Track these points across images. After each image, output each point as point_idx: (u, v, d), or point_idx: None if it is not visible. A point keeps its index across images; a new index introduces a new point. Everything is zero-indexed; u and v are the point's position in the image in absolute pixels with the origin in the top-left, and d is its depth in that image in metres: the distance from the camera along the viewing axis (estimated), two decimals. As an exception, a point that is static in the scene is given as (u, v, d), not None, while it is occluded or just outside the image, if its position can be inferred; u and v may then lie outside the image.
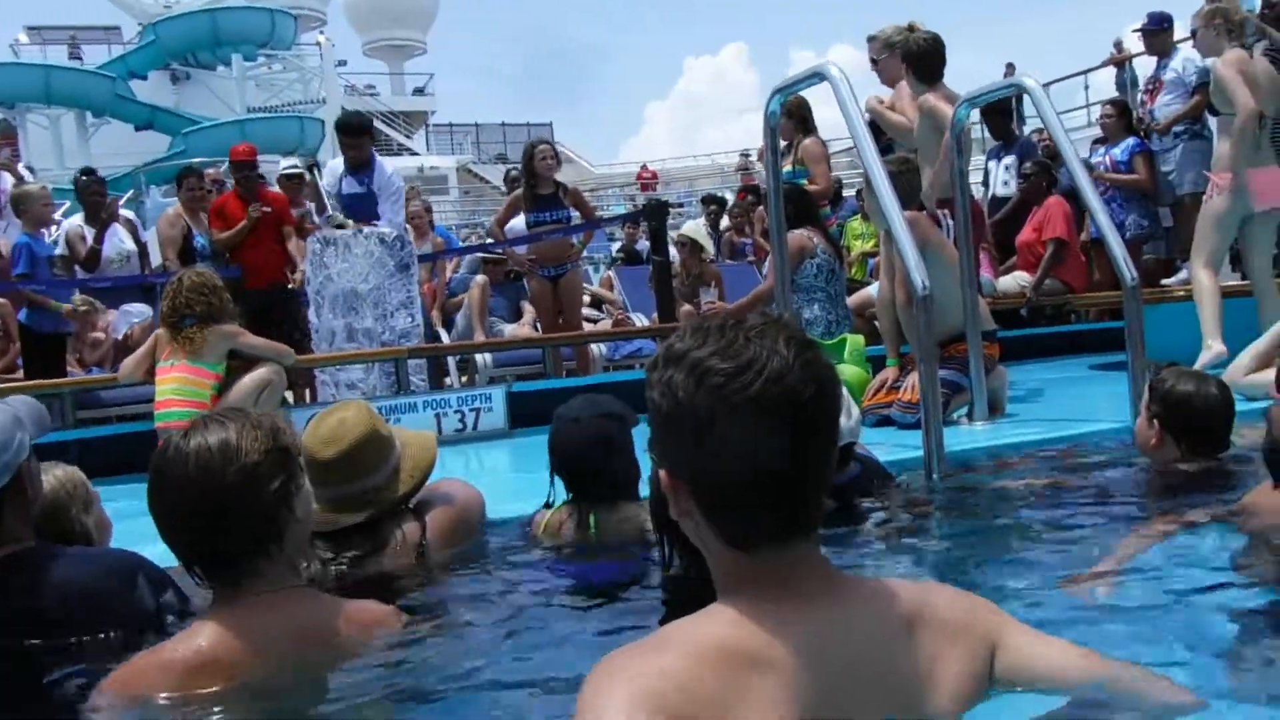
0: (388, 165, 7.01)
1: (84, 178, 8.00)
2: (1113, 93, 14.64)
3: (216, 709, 1.76)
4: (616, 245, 11.48)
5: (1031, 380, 5.86)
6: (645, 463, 2.80)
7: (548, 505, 2.88)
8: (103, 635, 2.09)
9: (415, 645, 2.00)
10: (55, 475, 2.41)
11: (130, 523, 2.69)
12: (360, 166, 6.83)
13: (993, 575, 2.36)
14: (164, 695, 1.77)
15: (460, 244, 11.53)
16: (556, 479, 2.85)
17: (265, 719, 1.79)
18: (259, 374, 5.14)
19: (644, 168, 33.94)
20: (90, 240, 7.49)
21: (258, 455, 1.85)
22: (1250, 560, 2.18)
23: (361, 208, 6.69)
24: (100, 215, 7.61)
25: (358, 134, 6.99)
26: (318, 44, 29.83)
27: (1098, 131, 8.79)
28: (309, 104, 27.60)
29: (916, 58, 5.39)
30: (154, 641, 2.03)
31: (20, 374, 6.84)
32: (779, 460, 1.17)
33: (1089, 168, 7.47)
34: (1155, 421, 3.01)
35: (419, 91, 39.65)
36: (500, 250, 8.74)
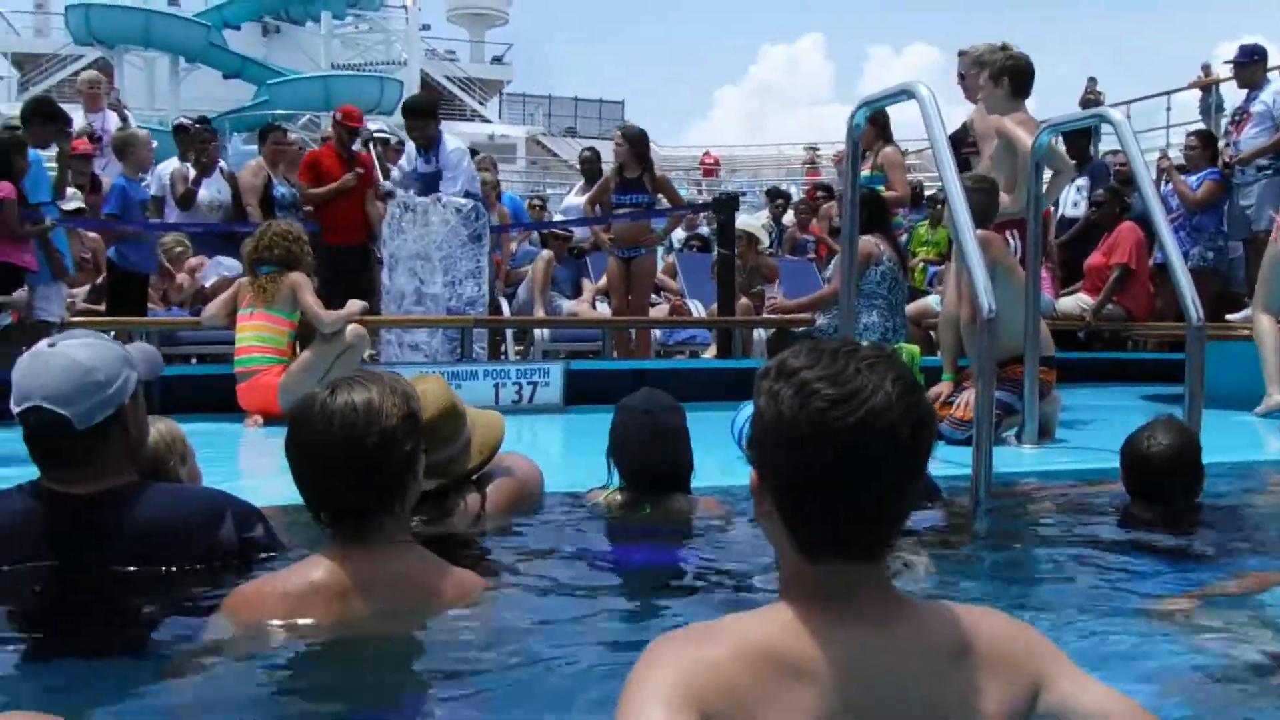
0: (450, 142, 7.16)
1: (197, 125, 8.35)
2: (1196, 115, 14.40)
3: (320, 637, 1.90)
4: (682, 234, 11.52)
5: (1083, 405, 5.87)
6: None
7: (603, 488, 3.00)
8: (189, 568, 2.20)
9: (493, 612, 2.10)
10: (156, 428, 2.51)
11: (209, 462, 2.86)
12: (427, 146, 7.03)
13: (1032, 599, 2.41)
14: (276, 620, 1.90)
15: (527, 214, 11.70)
16: (613, 465, 2.95)
17: (362, 654, 1.91)
18: (344, 336, 5.36)
19: (707, 153, 33.88)
20: (190, 182, 7.89)
21: (395, 419, 1.97)
22: None
23: (432, 186, 6.91)
24: (201, 160, 7.94)
25: (420, 115, 7.19)
26: (404, 7, 30.17)
27: (1176, 154, 8.71)
28: (390, 65, 27.97)
29: (1014, 72, 5.41)
30: (240, 573, 2.19)
31: (103, 308, 7.12)
32: (863, 490, 1.23)
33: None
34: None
35: (497, 60, 39.92)
36: (565, 229, 8.90)
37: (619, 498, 2.96)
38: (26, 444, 2.19)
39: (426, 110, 7.31)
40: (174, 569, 2.20)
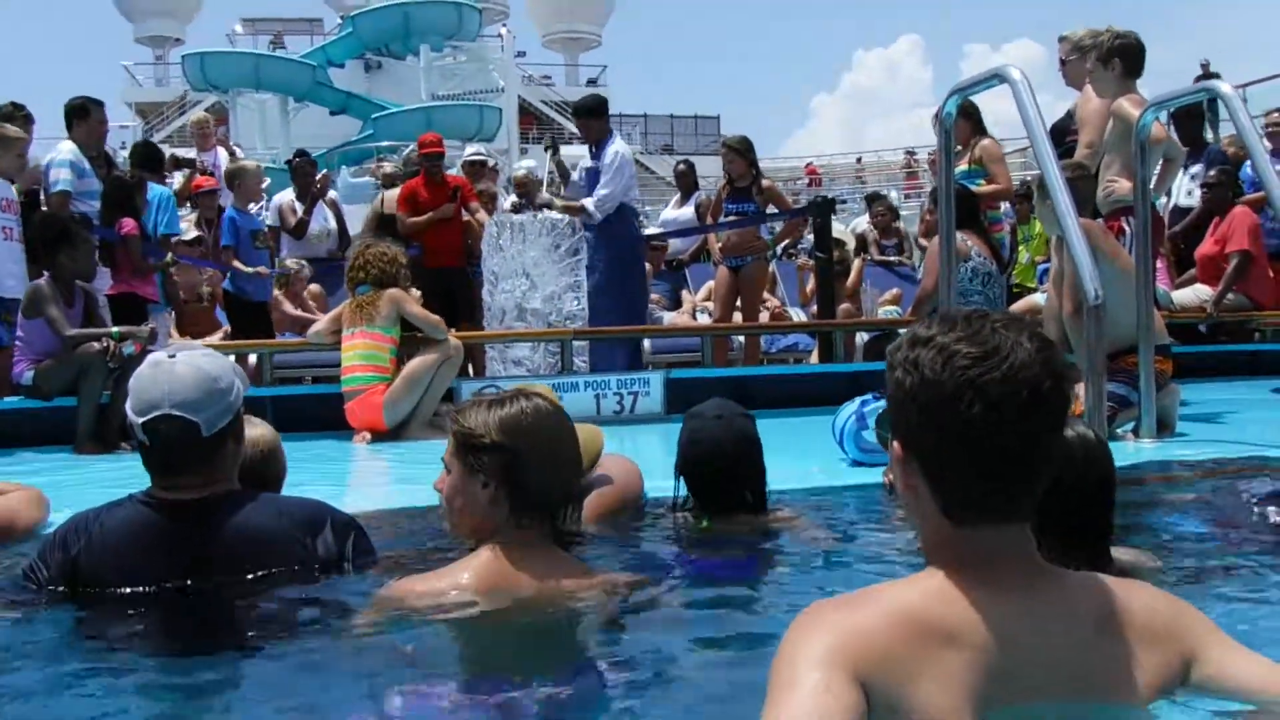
0: (614, 145, 7.24)
1: (298, 158, 8.74)
2: (1320, 98, 13.67)
3: (466, 635, 1.94)
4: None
5: (1207, 400, 5.61)
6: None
7: (674, 507, 2.88)
8: (287, 573, 2.22)
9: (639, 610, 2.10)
10: (251, 423, 2.53)
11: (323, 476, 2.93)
12: (595, 145, 7.25)
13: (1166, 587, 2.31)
14: (426, 614, 1.95)
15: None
16: (681, 481, 2.82)
17: (507, 649, 1.94)
18: (440, 349, 5.47)
19: (809, 165, 33.82)
20: (300, 213, 8.28)
21: None
22: None
23: (597, 183, 7.11)
24: (310, 191, 8.26)
25: (580, 115, 7.49)
26: (499, 36, 30.85)
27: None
28: (488, 93, 28.56)
29: (1125, 51, 5.18)
30: (334, 583, 2.22)
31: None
32: (1009, 443, 1.24)
33: None
34: None
35: (592, 83, 40.48)
36: (662, 241, 8.95)
37: (686, 517, 2.83)
38: (144, 453, 2.23)
39: (585, 110, 7.48)
40: (272, 573, 2.22)
